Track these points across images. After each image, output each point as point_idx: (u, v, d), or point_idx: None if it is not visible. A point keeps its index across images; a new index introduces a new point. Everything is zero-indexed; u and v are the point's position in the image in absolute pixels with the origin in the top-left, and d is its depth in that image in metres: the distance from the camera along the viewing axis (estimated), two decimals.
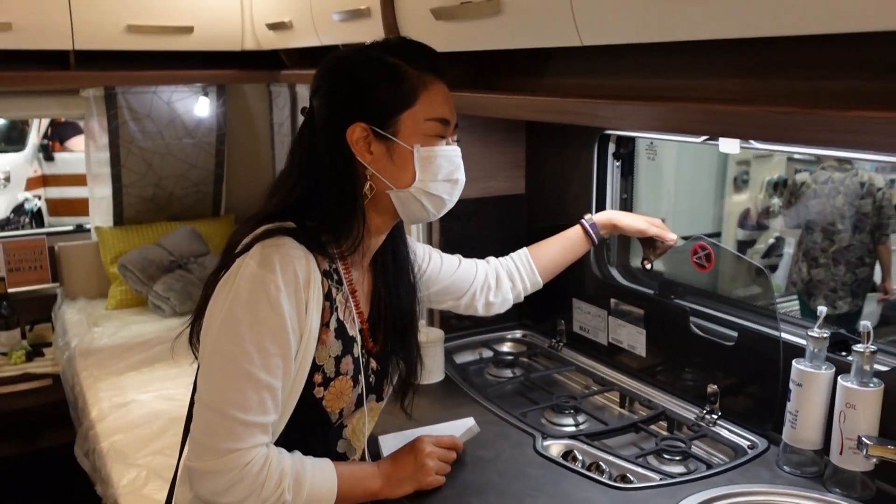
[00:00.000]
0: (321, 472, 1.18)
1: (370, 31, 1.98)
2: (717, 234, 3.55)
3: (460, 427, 1.50)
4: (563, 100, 1.47)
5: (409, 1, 1.72)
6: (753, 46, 1.13)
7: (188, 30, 2.80)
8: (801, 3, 0.93)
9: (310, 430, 1.21)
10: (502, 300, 1.60)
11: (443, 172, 1.19)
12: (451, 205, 1.25)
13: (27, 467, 3.19)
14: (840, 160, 2.87)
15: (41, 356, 3.34)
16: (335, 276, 1.19)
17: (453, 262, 1.56)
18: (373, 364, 1.28)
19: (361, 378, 1.23)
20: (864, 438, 1.16)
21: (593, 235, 1.64)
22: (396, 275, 1.32)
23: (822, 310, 1.33)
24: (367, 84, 1.17)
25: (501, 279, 1.60)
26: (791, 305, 3.67)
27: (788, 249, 3.90)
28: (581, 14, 1.25)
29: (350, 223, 1.17)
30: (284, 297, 1.08)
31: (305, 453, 1.20)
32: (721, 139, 1.50)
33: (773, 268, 3.96)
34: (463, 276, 1.55)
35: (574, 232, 1.66)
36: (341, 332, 1.19)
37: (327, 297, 1.16)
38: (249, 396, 1.08)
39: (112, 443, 2.33)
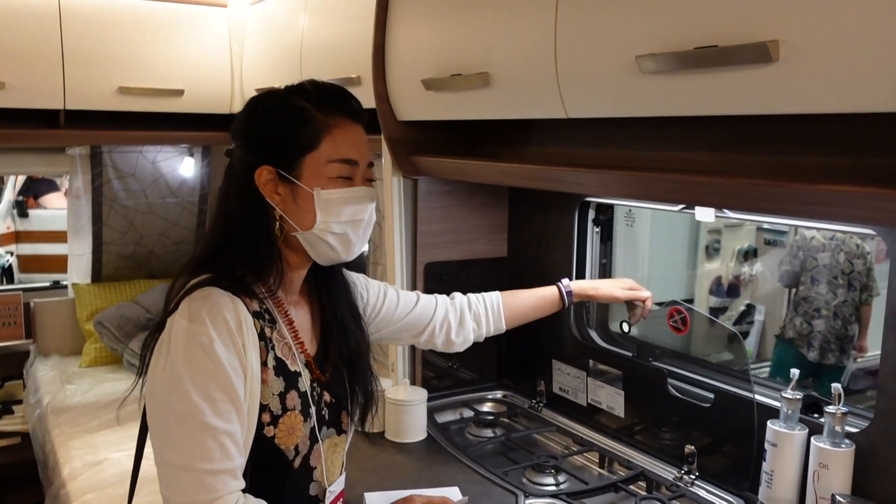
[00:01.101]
0: None
1: (361, 99, 2.06)
2: (691, 300, 3.63)
3: (448, 494, 1.51)
4: (547, 167, 1.54)
5: (400, 71, 1.81)
6: (728, 122, 1.22)
7: (178, 92, 2.87)
8: (772, 86, 1.01)
9: (271, 471, 1.20)
10: (463, 340, 1.63)
11: (345, 214, 1.20)
12: (361, 243, 1.25)
13: None
14: None
15: (10, 413, 3.28)
16: (267, 316, 1.20)
17: (411, 298, 1.57)
18: (326, 397, 1.28)
19: (312, 411, 1.23)
20: (838, 497, 1.20)
21: (566, 300, 1.71)
22: (335, 302, 1.33)
23: (795, 372, 1.39)
24: (272, 127, 1.20)
25: (465, 319, 1.63)
26: (763, 371, 3.74)
27: (759, 317, 3.99)
28: (567, 89, 1.33)
29: (266, 262, 1.20)
30: (219, 346, 1.10)
31: (277, 501, 1.19)
32: (697, 208, 1.58)
33: (745, 334, 4.04)
34: (421, 313, 1.56)
35: (549, 292, 1.72)
36: (281, 368, 1.20)
37: (261, 336, 1.17)
38: (210, 446, 1.08)
39: (84, 502, 2.28)
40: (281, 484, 1.21)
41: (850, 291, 3.05)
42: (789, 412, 1.39)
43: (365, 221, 1.24)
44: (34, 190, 7.65)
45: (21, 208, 7.54)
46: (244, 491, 1.13)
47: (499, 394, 2.14)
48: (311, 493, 1.27)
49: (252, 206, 1.20)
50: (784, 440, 1.38)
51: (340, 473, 1.33)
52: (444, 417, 2.00)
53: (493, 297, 1.68)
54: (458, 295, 1.67)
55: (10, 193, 7.41)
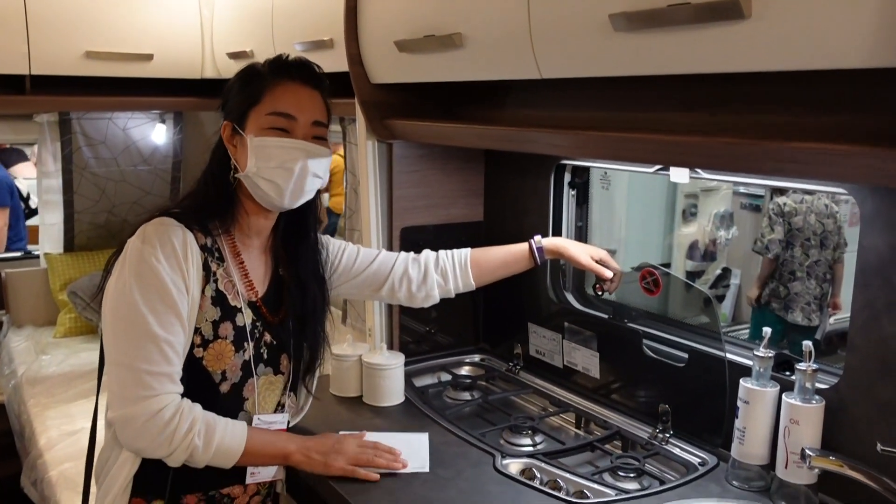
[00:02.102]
0: (233, 427, 1.33)
1: (333, 62, 2.03)
2: (668, 265, 3.65)
3: (413, 440, 1.58)
4: (522, 129, 1.54)
5: (372, 32, 1.78)
6: (702, 83, 1.21)
7: (148, 57, 2.81)
8: (744, 43, 1.00)
9: (200, 391, 1.33)
10: (426, 295, 1.69)
11: (274, 161, 1.33)
12: (296, 192, 1.37)
13: None
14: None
15: None
16: (216, 253, 1.36)
17: (370, 254, 1.68)
18: (267, 338, 1.42)
19: (248, 346, 1.37)
20: (807, 450, 1.23)
21: (537, 258, 1.72)
22: (301, 261, 1.48)
23: (767, 330, 1.41)
24: (232, 88, 1.40)
25: (429, 274, 1.68)
26: (741, 334, 3.78)
27: (735, 280, 4.04)
28: (540, 49, 1.31)
29: (218, 203, 1.37)
30: (165, 266, 1.26)
31: None
32: (672, 169, 1.58)
33: (721, 298, 4.09)
34: (378, 269, 1.66)
35: (520, 250, 1.73)
36: (220, 300, 1.35)
37: (205, 267, 1.33)
38: (151, 350, 1.24)
39: (62, 471, 2.28)
40: (210, 404, 1.34)
41: (822, 251, 3.10)
42: (761, 370, 1.41)
43: (295, 172, 1.35)
44: (3, 161, 7.50)
45: None
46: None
47: (476, 357, 2.15)
48: (240, 420, 1.39)
49: (219, 157, 1.39)
50: (756, 397, 1.40)
51: (277, 412, 1.47)
52: (421, 381, 2.01)
53: (462, 254, 1.72)
54: (426, 252, 1.72)
55: None
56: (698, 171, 1.54)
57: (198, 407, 1.30)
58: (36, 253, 3.71)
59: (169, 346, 1.26)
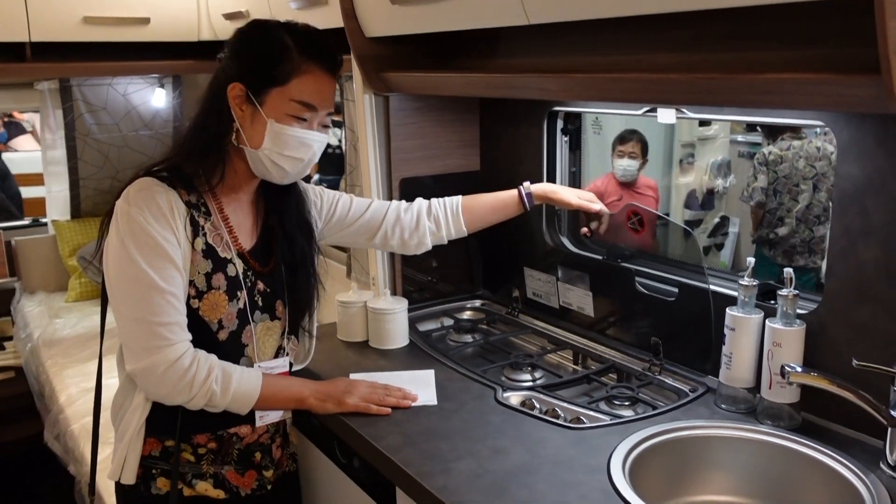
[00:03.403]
0: (248, 373, 1.41)
1: (328, 19, 2.07)
2: (666, 214, 3.71)
3: (420, 377, 1.67)
4: (512, 75, 1.59)
5: None
6: (685, 22, 1.26)
7: (144, 21, 2.84)
8: None
9: (199, 340, 1.38)
10: (418, 242, 1.75)
11: (289, 149, 1.38)
12: (295, 176, 1.45)
13: None
14: (794, 130, 3.11)
15: (2, 349, 3.35)
16: (202, 208, 1.40)
17: (363, 203, 1.72)
18: (260, 286, 1.47)
19: (242, 294, 1.43)
20: (786, 367, 1.30)
21: (527, 203, 1.78)
22: (286, 213, 1.52)
23: (751, 260, 1.47)
24: (256, 53, 1.37)
25: (421, 221, 1.74)
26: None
27: (733, 229, 4.09)
28: None
29: (209, 161, 1.39)
30: (154, 224, 1.31)
31: None
32: (659, 110, 1.63)
33: (720, 246, 4.14)
34: (371, 217, 1.71)
35: (510, 196, 1.79)
36: (210, 252, 1.40)
37: (192, 222, 1.37)
38: (159, 302, 1.31)
39: (83, 424, 2.38)
40: (210, 352, 1.39)
41: (815, 194, 3.16)
42: (746, 298, 1.48)
43: (305, 161, 1.41)
44: (3, 134, 7.53)
45: None
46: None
47: (477, 302, 2.22)
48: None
49: (216, 112, 1.39)
50: (741, 324, 1.48)
51: (277, 356, 1.53)
52: (425, 326, 2.08)
53: (453, 201, 1.78)
54: (419, 200, 1.78)
55: None
56: (684, 110, 1.59)
57: (213, 356, 1.37)
58: (44, 221, 3.78)
59: (174, 297, 1.32)
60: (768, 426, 1.43)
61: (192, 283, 1.38)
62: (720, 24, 1.27)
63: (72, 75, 3.31)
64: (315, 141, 1.40)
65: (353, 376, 1.65)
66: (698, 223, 4.25)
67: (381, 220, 1.72)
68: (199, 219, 1.39)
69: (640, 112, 1.72)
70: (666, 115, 1.64)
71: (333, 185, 4.10)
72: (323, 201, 1.66)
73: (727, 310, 1.50)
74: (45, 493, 2.99)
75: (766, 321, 1.44)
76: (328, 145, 1.50)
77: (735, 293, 1.56)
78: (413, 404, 1.55)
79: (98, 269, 3.38)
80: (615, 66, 1.53)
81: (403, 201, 1.78)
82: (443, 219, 1.76)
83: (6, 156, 7.50)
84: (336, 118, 2.02)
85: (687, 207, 4.22)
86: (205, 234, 1.39)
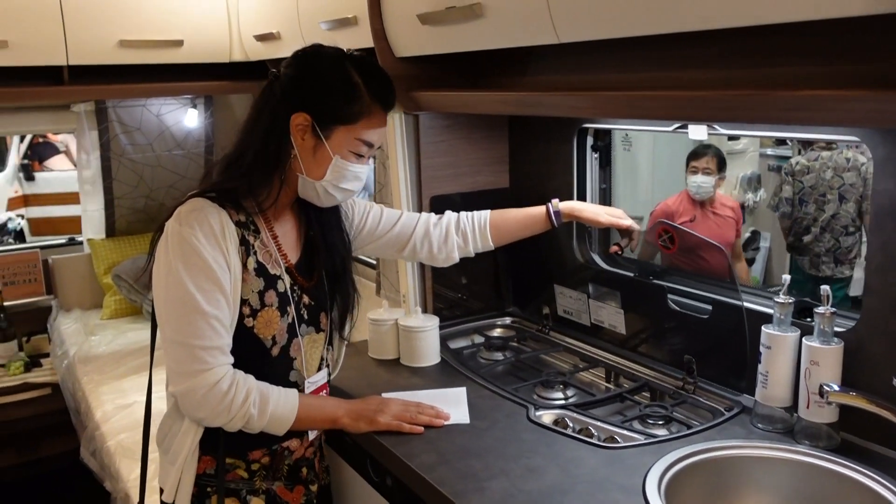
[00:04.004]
0: (285, 395, 1.42)
1: (358, 39, 2.09)
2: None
3: (451, 395, 1.67)
4: (543, 93, 1.59)
5: (395, 7, 1.84)
6: (716, 39, 1.26)
7: (178, 43, 2.89)
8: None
9: (253, 357, 1.41)
10: (446, 256, 1.76)
11: (345, 182, 1.43)
12: (340, 200, 1.50)
13: (29, 476, 3.25)
14: (827, 142, 3.10)
15: (39, 366, 3.40)
16: (251, 227, 1.42)
17: (394, 215, 1.74)
18: (305, 299, 1.49)
19: (291, 309, 1.45)
20: (824, 386, 1.28)
21: (554, 220, 1.78)
22: (326, 225, 1.55)
23: (787, 277, 1.46)
24: (327, 89, 1.39)
25: (450, 235, 1.76)
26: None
27: (764, 243, 4.05)
28: (557, 13, 1.37)
29: (266, 183, 1.41)
30: (205, 246, 1.32)
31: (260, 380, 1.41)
32: (690, 126, 1.62)
33: (751, 261, 4.10)
34: (401, 230, 1.73)
35: (537, 212, 1.79)
36: (261, 270, 1.42)
37: (242, 242, 1.39)
38: (201, 326, 1.31)
39: (119, 441, 2.41)
40: (262, 368, 1.42)
41: (842, 204, 3.14)
42: (782, 316, 1.46)
43: (355, 192, 1.47)
44: (39, 154, 7.70)
45: (27, 172, 7.61)
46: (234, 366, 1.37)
47: (507, 320, 2.22)
48: (291, 380, 1.49)
49: (275, 137, 1.40)
50: (777, 342, 1.46)
51: (320, 369, 1.55)
52: (456, 344, 2.09)
53: (481, 216, 1.79)
54: (448, 213, 1.79)
55: (14, 157, 7.47)
56: (715, 126, 1.58)
57: (251, 378, 1.38)
58: (80, 239, 3.85)
59: (217, 321, 1.33)
60: (806, 446, 1.41)
61: (246, 302, 1.39)
62: (751, 40, 1.27)
63: (108, 97, 3.38)
64: (365, 173, 1.45)
65: (385, 395, 1.66)
66: None
67: (410, 234, 1.73)
68: (249, 237, 1.40)
69: (671, 129, 1.72)
70: (697, 132, 1.63)
71: None
72: (354, 213, 1.68)
73: (763, 328, 1.48)
74: None
75: (803, 339, 1.42)
76: None
77: (769, 310, 1.55)
78: (445, 423, 1.55)
79: (132, 287, 3.43)
80: (646, 83, 1.53)
81: (433, 214, 1.78)
82: (470, 233, 1.77)
83: (40, 175, 7.68)
84: None
85: None
86: (255, 253, 1.41)
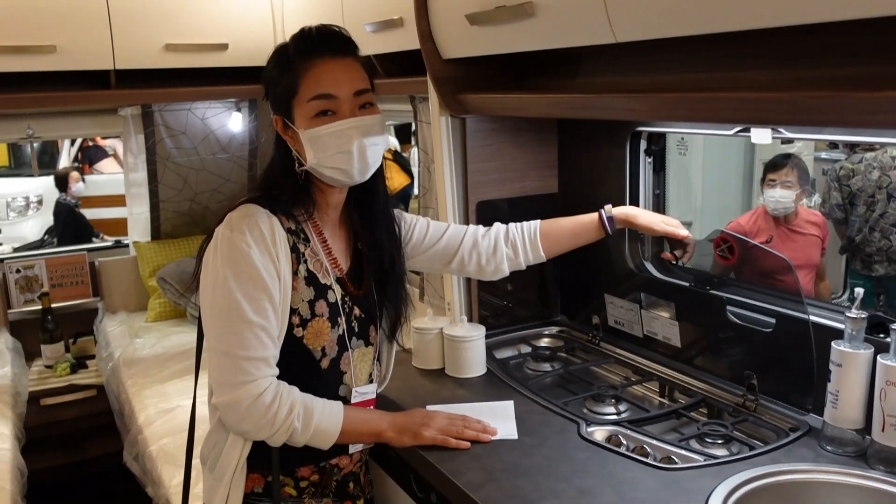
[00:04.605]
0: (330, 408, 1.37)
1: (404, 40, 2.05)
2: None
3: (499, 409, 1.61)
4: (597, 96, 1.53)
5: (443, 7, 1.79)
6: (780, 38, 1.18)
7: (223, 47, 2.89)
8: None
9: (302, 368, 1.37)
10: (495, 268, 1.69)
11: (331, 148, 1.32)
12: (364, 168, 1.37)
13: (74, 477, 3.28)
14: (870, 143, 3.01)
15: (85, 368, 3.44)
16: (302, 235, 1.38)
17: (440, 228, 1.68)
18: (356, 311, 1.45)
19: (341, 321, 1.41)
20: None
21: (608, 227, 1.70)
22: (375, 226, 1.49)
23: (860, 291, 1.37)
24: (270, 78, 1.37)
25: (499, 247, 1.68)
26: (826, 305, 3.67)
27: None
28: (615, 12, 1.30)
29: (292, 191, 1.37)
30: (255, 252, 1.28)
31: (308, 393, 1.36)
32: (753, 130, 1.54)
33: None
34: (448, 242, 1.66)
35: (590, 220, 1.72)
36: (312, 280, 1.37)
37: (293, 250, 1.35)
38: (247, 336, 1.27)
39: (161, 446, 2.40)
40: (311, 380, 1.38)
41: (890, 203, 3.05)
42: (853, 332, 1.37)
43: (354, 153, 1.34)
44: (89, 157, 7.86)
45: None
46: (279, 378, 1.32)
47: (555, 329, 2.15)
48: (341, 394, 1.45)
49: (281, 149, 1.39)
50: (849, 360, 1.37)
51: (370, 382, 1.51)
52: (502, 354, 2.02)
53: (531, 226, 1.72)
54: (497, 225, 1.72)
55: (66, 161, 7.64)
56: (781, 130, 1.50)
57: (295, 390, 1.34)
58: (126, 242, 3.88)
59: (263, 332, 1.29)
60: (881, 472, 1.31)
61: (295, 311, 1.35)
62: (816, 38, 1.19)
63: (153, 101, 3.40)
64: (352, 127, 1.33)
65: (429, 407, 1.60)
66: None
67: (457, 246, 1.67)
68: (300, 245, 1.37)
69: (731, 132, 1.63)
70: (761, 136, 1.54)
71: None
72: (401, 225, 1.62)
73: (833, 344, 1.39)
74: None
75: (878, 357, 1.33)
76: None
77: (838, 324, 1.45)
78: (493, 438, 1.49)
79: (176, 290, 3.44)
80: (705, 84, 1.45)
81: (481, 226, 1.72)
82: (520, 244, 1.70)
83: (90, 178, 7.83)
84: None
85: None
86: (306, 261, 1.37)
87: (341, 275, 1.43)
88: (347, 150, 1.33)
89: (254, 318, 1.27)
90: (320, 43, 1.34)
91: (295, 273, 1.35)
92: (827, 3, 0.98)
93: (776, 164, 2.60)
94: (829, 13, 0.98)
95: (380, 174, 1.46)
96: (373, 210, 1.49)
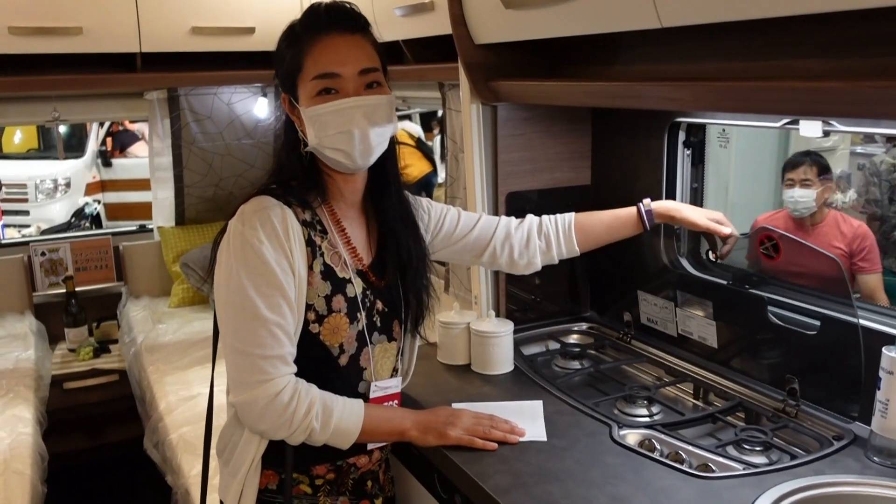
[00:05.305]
0: (350, 407, 1.32)
1: (434, 26, 1.99)
2: None
3: (527, 408, 1.55)
4: (637, 84, 1.45)
5: None
6: (839, 23, 1.10)
7: (250, 30, 2.85)
8: None
9: (319, 365, 1.33)
10: (528, 262, 1.63)
11: (332, 127, 1.27)
12: (368, 151, 1.30)
13: (96, 460, 3.28)
14: None
15: (108, 352, 3.43)
16: (318, 226, 1.32)
17: (472, 218, 1.61)
18: (378, 305, 1.39)
19: (361, 316, 1.35)
20: None
21: (646, 222, 1.63)
22: (387, 214, 1.42)
23: None
24: (280, 56, 1.33)
25: (532, 240, 1.62)
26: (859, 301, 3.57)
27: None
28: None
29: (299, 173, 1.32)
30: (268, 248, 1.23)
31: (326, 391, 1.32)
32: (802, 123, 1.46)
33: None
34: (480, 234, 1.60)
35: (627, 214, 1.65)
36: (329, 274, 1.32)
37: (309, 243, 1.30)
38: (262, 334, 1.23)
39: (181, 434, 2.37)
40: (329, 377, 1.34)
41: None
42: None
43: (355, 134, 1.27)
44: (120, 142, 7.91)
45: (105, 158, 7.82)
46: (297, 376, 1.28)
47: (584, 325, 2.09)
48: (360, 391, 1.40)
49: (288, 130, 1.35)
50: None
51: (392, 377, 1.45)
52: (529, 350, 1.96)
53: (565, 219, 1.65)
54: (529, 217, 1.66)
55: (94, 143, 7.68)
56: (833, 122, 1.42)
57: (314, 388, 1.29)
58: (150, 227, 3.87)
59: (279, 328, 1.25)
60: None
61: (311, 307, 1.30)
62: (871, 25, 1.11)
63: (179, 85, 3.37)
64: (352, 106, 1.27)
65: (455, 405, 1.55)
66: None
67: (489, 238, 1.61)
68: (316, 238, 1.31)
69: (778, 125, 1.55)
70: (811, 128, 1.46)
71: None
72: (431, 215, 1.56)
73: (884, 350, 1.32)
74: (146, 498, 3.02)
75: None
76: None
77: (888, 329, 1.38)
78: (521, 439, 1.43)
79: (199, 275, 3.42)
80: (751, 72, 1.37)
81: (513, 218, 1.66)
82: (554, 237, 1.63)
83: (117, 161, 7.87)
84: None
85: None
86: (322, 255, 1.32)
87: (362, 266, 1.38)
88: (348, 129, 1.27)
89: (268, 315, 1.23)
90: (328, 19, 1.29)
91: (310, 267, 1.30)
92: None
93: (794, 163, 2.47)
94: None
95: (390, 160, 1.40)
96: (384, 198, 1.43)
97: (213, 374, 1.51)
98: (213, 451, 1.50)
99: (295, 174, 1.33)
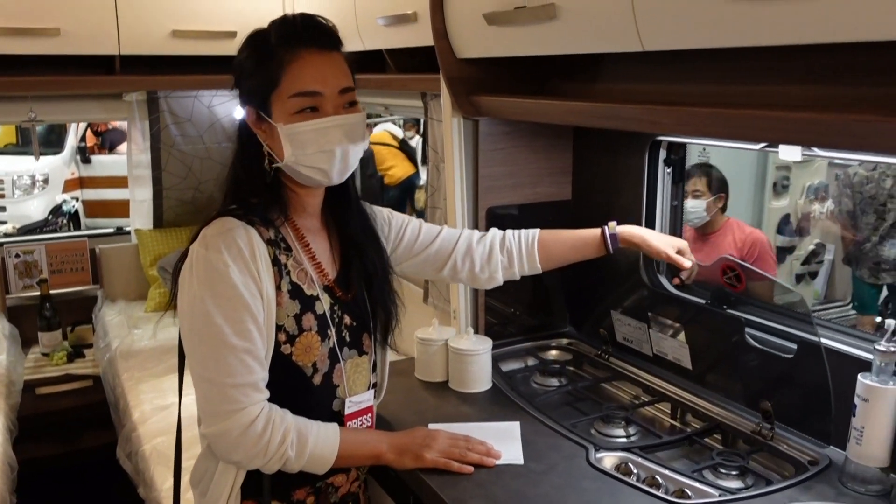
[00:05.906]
0: (325, 432, 1.29)
1: (418, 37, 1.97)
2: None
3: (504, 430, 1.54)
4: (621, 105, 1.45)
5: (459, 5, 1.71)
6: (819, 52, 1.10)
7: (231, 34, 2.81)
8: (866, 10, 0.90)
9: (293, 387, 1.30)
10: (489, 276, 1.61)
11: (312, 146, 1.24)
12: (343, 169, 1.29)
13: (68, 467, 3.22)
14: None
15: (82, 357, 3.38)
16: (282, 244, 1.29)
17: (432, 230, 1.59)
18: (346, 320, 1.37)
19: (332, 332, 1.32)
20: None
21: (610, 246, 1.63)
22: (350, 226, 1.40)
23: (892, 322, 1.29)
24: (245, 69, 1.27)
25: (494, 254, 1.61)
26: (832, 313, 3.59)
27: (829, 256, 3.82)
28: (644, 18, 1.22)
29: (260, 189, 1.28)
30: (234, 271, 1.19)
31: (300, 414, 1.29)
32: (781, 146, 1.46)
33: (814, 274, 3.87)
34: (441, 246, 1.58)
35: (592, 236, 1.64)
36: (297, 292, 1.29)
37: (275, 262, 1.26)
38: (231, 362, 1.19)
39: (154, 445, 2.34)
40: (304, 399, 1.31)
41: None
42: (882, 365, 1.30)
43: (336, 153, 1.26)
44: (109, 140, 7.81)
45: (84, 154, 7.71)
46: (270, 401, 1.25)
47: (564, 341, 2.08)
48: (335, 409, 1.37)
49: (248, 141, 1.29)
50: (877, 395, 1.29)
51: (367, 390, 1.42)
52: (508, 366, 1.95)
53: (529, 235, 1.64)
54: (493, 230, 1.65)
55: (72, 139, 7.57)
56: (813, 148, 1.42)
57: (288, 414, 1.27)
58: (128, 229, 3.82)
59: (249, 355, 1.21)
60: None
61: (281, 327, 1.27)
62: (859, 54, 1.11)
63: (159, 88, 3.32)
64: (336, 125, 1.25)
65: (431, 426, 1.53)
66: (791, 250, 3.98)
67: (450, 250, 1.59)
68: (281, 256, 1.28)
69: (757, 147, 1.56)
70: (790, 153, 1.46)
71: None
72: (392, 225, 1.55)
73: (859, 377, 1.32)
74: None
75: None
76: None
77: (864, 354, 1.38)
78: (497, 462, 1.42)
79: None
80: (737, 97, 1.37)
81: (476, 231, 1.65)
82: (516, 253, 1.62)
83: (96, 158, 7.76)
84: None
85: (779, 233, 3.97)
86: (289, 273, 1.29)
87: (328, 282, 1.35)
88: (330, 149, 1.25)
89: (236, 342, 1.19)
90: (306, 34, 1.25)
91: (278, 287, 1.26)
92: (860, 23, 0.90)
93: (687, 174, 2.58)
94: (864, 33, 0.91)
95: (350, 176, 1.38)
96: (346, 212, 1.41)
97: (180, 389, 1.47)
98: (184, 465, 1.48)
99: (255, 190, 1.29)
